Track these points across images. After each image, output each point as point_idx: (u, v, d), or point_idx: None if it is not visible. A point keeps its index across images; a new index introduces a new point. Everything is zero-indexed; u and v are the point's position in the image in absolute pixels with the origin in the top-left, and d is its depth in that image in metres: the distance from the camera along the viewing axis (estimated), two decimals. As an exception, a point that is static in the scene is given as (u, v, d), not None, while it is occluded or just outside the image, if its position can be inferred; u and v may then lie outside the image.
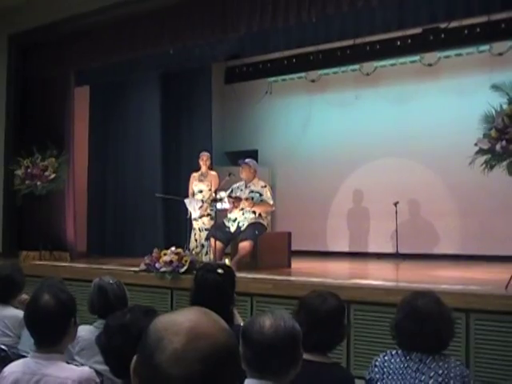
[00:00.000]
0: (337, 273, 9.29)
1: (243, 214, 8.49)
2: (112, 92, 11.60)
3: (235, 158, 11.98)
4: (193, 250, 8.76)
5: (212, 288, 3.77)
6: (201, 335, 1.22)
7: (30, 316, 3.14)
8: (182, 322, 1.25)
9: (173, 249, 7.54)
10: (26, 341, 3.96)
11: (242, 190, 8.67)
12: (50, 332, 3.02)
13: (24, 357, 3.20)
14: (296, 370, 2.42)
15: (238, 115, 13.32)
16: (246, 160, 8.89)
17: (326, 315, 3.11)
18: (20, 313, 4.54)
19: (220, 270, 3.91)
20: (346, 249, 11.90)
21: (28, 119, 10.77)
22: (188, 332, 1.22)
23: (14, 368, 2.96)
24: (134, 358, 1.29)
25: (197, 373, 1.18)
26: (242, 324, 3.93)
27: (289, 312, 2.77)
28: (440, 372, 3.00)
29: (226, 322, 1.33)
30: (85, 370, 3.00)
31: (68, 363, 3.07)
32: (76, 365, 3.23)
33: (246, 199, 8.47)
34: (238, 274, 7.04)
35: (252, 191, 8.61)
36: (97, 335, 2.86)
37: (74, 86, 10.65)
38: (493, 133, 5.85)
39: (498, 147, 5.75)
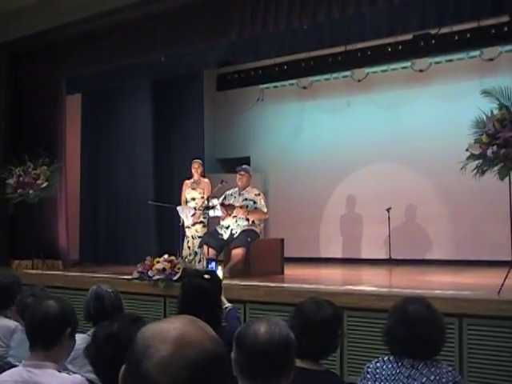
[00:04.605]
0: (330, 279, 9.29)
1: (236, 221, 8.49)
2: (104, 100, 11.59)
3: (227, 165, 12.00)
4: (186, 257, 8.75)
5: (199, 293, 3.82)
6: (188, 343, 1.22)
7: (31, 316, 3.18)
8: (169, 329, 1.25)
9: (165, 256, 7.53)
10: (19, 349, 3.95)
11: (235, 198, 8.67)
12: (45, 335, 3.04)
13: (15, 366, 3.19)
14: (287, 379, 2.40)
15: (230, 122, 13.32)
16: (245, 167, 8.90)
17: (320, 322, 3.10)
18: (12, 323, 4.53)
19: (206, 276, 3.97)
20: (339, 255, 11.90)
21: (20, 127, 10.75)
22: (175, 340, 1.22)
23: (5, 377, 2.94)
24: (123, 367, 1.28)
25: (184, 380, 1.18)
26: (230, 306, 4.32)
27: (284, 319, 2.77)
28: (432, 378, 2.99)
29: (214, 326, 1.33)
30: (77, 378, 2.98)
31: (60, 372, 3.06)
32: (68, 373, 3.22)
33: (241, 207, 8.47)
34: (231, 282, 7.11)
35: (246, 199, 8.60)
36: (85, 347, 2.84)
37: (66, 94, 10.66)
38: (484, 138, 5.86)
39: (489, 152, 5.76)
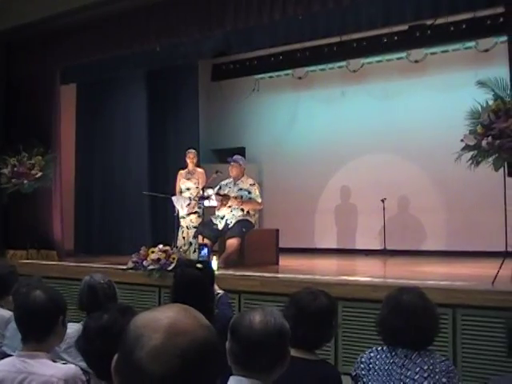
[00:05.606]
0: (324, 269, 9.30)
1: (231, 211, 8.49)
2: (98, 90, 11.54)
3: (222, 155, 11.98)
4: (180, 247, 8.75)
5: (191, 282, 3.85)
6: (180, 331, 1.22)
7: (19, 309, 3.17)
8: (161, 318, 1.25)
9: (160, 246, 7.53)
10: (14, 339, 3.95)
11: (230, 188, 8.66)
12: (37, 327, 3.02)
13: (10, 356, 3.18)
14: (282, 368, 2.41)
15: (225, 112, 13.31)
16: (235, 158, 8.88)
17: (315, 313, 3.10)
18: (7, 312, 4.53)
19: (199, 265, 3.99)
20: (333, 245, 11.91)
21: (14, 117, 10.69)
22: (167, 328, 1.22)
23: (-1, 367, 2.95)
24: (115, 356, 1.29)
25: (176, 369, 1.18)
26: (222, 293, 4.37)
27: (279, 309, 2.77)
28: (425, 367, 3.01)
29: (206, 315, 1.32)
30: (71, 368, 2.98)
31: (54, 361, 3.06)
32: (63, 363, 3.22)
33: (235, 198, 8.46)
34: (226, 272, 7.12)
35: (241, 189, 8.60)
36: (75, 340, 2.84)
37: (60, 84, 10.60)
38: (479, 129, 5.87)
39: (484, 143, 5.77)
